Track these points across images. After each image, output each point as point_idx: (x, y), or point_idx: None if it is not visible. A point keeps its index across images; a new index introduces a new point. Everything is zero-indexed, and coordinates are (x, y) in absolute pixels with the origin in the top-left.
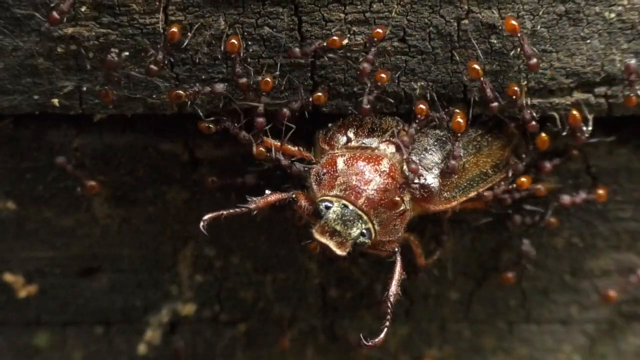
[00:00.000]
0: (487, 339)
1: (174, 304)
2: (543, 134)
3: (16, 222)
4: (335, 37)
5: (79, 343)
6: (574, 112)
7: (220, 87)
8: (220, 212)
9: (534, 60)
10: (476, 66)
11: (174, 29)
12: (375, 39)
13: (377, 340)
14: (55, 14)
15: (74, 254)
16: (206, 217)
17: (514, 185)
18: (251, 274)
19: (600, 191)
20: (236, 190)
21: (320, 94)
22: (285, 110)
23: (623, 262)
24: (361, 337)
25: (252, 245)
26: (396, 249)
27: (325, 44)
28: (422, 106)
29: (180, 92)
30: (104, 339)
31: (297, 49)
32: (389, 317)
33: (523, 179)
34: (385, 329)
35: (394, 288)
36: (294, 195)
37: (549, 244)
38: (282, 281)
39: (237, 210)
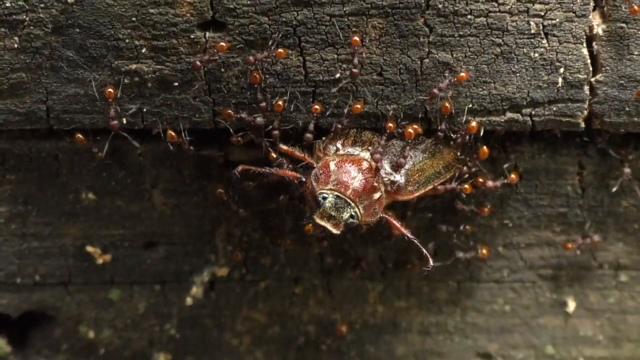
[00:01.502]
0: (441, 293)
1: (212, 268)
2: (484, 147)
3: (95, 209)
4: (281, 50)
5: (143, 297)
6: (474, 123)
7: (259, 119)
8: (251, 167)
9: (463, 73)
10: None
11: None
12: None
13: (430, 265)
14: (114, 122)
15: (138, 232)
16: (240, 167)
17: (460, 186)
18: (268, 246)
19: (512, 176)
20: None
21: (358, 105)
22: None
23: (542, 237)
24: (422, 268)
25: (269, 226)
26: (382, 216)
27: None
28: (390, 124)
29: (231, 113)
30: (161, 294)
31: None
32: (420, 246)
33: (466, 186)
34: (428, 255)
35: (404, 231)
36: (305, 179)
37: (487, 224)
38: (291, 251)
39: (263, 169)
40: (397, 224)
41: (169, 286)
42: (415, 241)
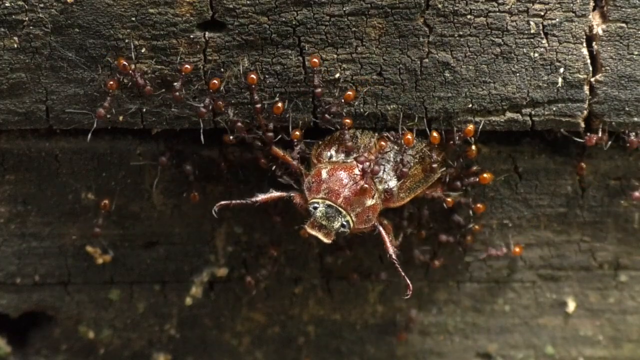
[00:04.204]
0: (441, 293)
1: (212, 268)
2: (473, 147)
3: (95, 209)
4: (349, 92)
5: (142, 297)
6: (470, 126)
7: (239, 125)
8: (230, 202)
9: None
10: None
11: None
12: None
13: (409, 291)
14: (101, 110)
15: (138, 231)
16: (218, 204)
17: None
18: (268, 245)
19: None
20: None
21: (348, 120)
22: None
23: (541, 237)
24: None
25: (269, 225)
26: (375, 224)
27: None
28: (382, 142)
29: (222, 104)
30: (161, 293)
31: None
32: (400, 270)
33: (450, 197)
34: (407, 280)
35: (390, 249)
36: (292, 194)
37: (487, 224)
38: (291, 251)
39: (243, 201)
40: (387, 240)
41: (168, 286)
42: (395, 262)
